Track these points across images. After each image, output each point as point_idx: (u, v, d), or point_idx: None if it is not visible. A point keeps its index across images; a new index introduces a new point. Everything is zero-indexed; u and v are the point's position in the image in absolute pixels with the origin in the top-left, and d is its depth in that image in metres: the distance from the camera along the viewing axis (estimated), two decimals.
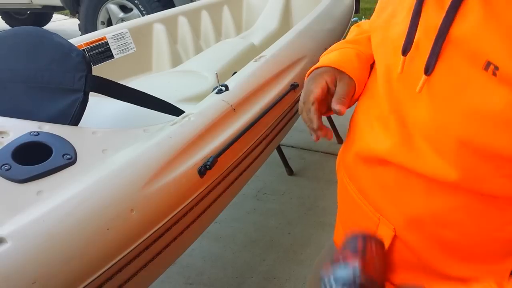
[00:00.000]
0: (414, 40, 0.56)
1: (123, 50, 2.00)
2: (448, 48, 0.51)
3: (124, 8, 3.93)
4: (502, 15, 0.46)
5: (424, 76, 0.54)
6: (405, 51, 0.57)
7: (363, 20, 0.78)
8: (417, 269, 0.61)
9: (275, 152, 2.32)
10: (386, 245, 0.60)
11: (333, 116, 2.56)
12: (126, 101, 1.13)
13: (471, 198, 0.53)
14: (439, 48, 0.51)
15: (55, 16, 7.26)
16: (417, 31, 0.55)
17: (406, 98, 0.57)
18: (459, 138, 0.51)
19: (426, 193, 0.56)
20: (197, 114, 1.07)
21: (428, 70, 0.53)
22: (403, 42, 0.57)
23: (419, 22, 0.55)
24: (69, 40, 1.11)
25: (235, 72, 1.38)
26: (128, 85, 1.17)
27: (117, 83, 1.14)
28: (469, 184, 0.52)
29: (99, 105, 1.21)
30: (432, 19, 0.53)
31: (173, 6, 3.36)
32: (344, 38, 0.80)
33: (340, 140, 2.65)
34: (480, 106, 0.48)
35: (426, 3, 0.54)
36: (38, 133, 0.87)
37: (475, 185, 0.52)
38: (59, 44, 1.06)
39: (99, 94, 1.08)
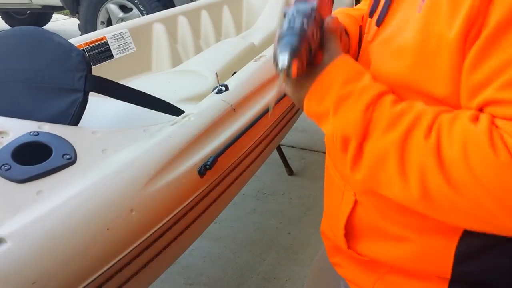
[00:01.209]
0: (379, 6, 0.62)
1: (123, 50, 2.00)
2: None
3: (124, 8, 3.93)
4: None
5: (375, 28, 0.60)
6: (371, 13, 0.64)
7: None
8: (377, 234, 0.64)
9: (275, 152, 2.31)
10: (349, 210, 0.65)
11: None
12: (126, 101, 1.13)
13: None
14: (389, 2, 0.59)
15: (55, 16, 7.26)
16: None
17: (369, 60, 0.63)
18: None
19: None
20: (197, 114, 1.06)
21: (378, 22, 0.60)
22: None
23: None
24: (69, 40, 1.11)
25: (235, 72, 1.38)
26: (128, 85, 1.17)
27: (117, 83, 1.14)
28: None
29: (99, 105, 1.21)
30: None
31: (173, 6, 3.36)
32: None
33: None
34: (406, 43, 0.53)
35: None
36: (38, 133, 0.87)
37: None
38: (59, 44, 1.06)
39: (99, 94, 1.08)
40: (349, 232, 0.67)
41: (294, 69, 0.49)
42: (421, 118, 0.48)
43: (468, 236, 0.56)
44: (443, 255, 0.58)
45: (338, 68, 0.55)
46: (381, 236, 0.64)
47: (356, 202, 0.65)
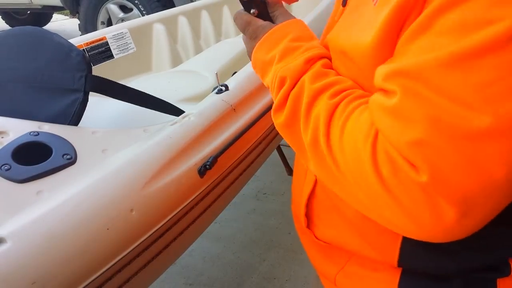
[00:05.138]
0: None
1: (123, 50, 2.00)
2: None
3: (124, 8, 3.93)
4: None
5: (341, 7, 0.63)
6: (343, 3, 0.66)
7: None
8: (336, 218, 0.65)
9: (275, 152, 2.31)
10: (310, 189, 0.68)
11: None
12: (126, 101, 1.13)
13: None
14: None
15: (55, 16, 7.26)
16: None
17: None
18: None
19: None
20: (197, 114, 1.06)
21: (343, 2, 0.63)
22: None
23: None
24: (69, 40, 1.11)
25: (235, 72, 1.38)
26: (128, 85, 1.17)
27: (117, 83, 1.14)
28: None
29: (99, 105, 1.21)
30: None
31: (173, 6, 3.36)
32: None
33: None
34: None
35: None
36: (38, 133, 0.87)
37: None
38: (59, 44, 1.06)
39: (99, 94, 1.08)
40: (309, 212, 0.70)
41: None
42: (339, 82, 0.53)
43: None
44: (390, 244, 0.58)
45: (291, 26, 0.62)
46: (335, 221, 0.65)
47: (316, 181, 0.67)
